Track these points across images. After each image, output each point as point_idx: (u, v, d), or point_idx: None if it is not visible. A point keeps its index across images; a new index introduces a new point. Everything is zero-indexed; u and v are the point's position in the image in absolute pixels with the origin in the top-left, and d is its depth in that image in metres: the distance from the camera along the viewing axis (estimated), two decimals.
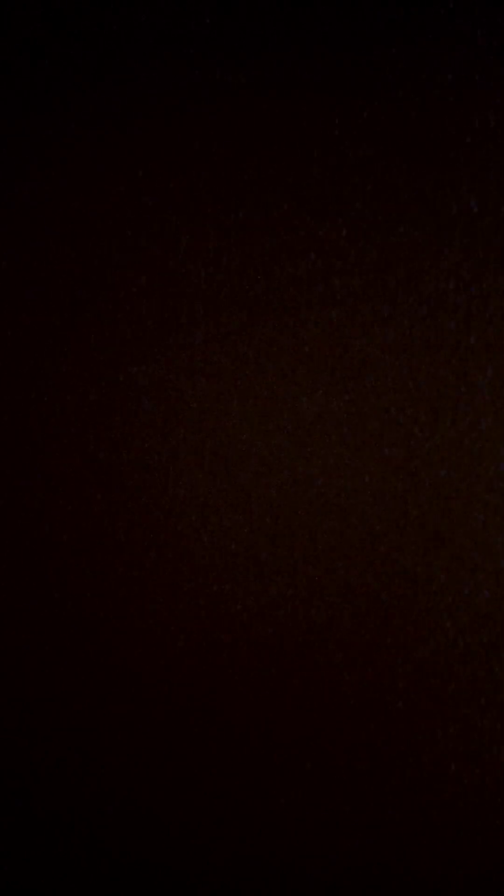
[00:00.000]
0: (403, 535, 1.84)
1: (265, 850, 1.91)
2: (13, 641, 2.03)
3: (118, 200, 1.99)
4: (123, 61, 1.97)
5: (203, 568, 1.93)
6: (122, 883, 1.99)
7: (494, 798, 1.80)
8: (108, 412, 1.98)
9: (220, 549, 1.92)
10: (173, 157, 1.95)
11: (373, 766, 1.85)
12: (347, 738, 1.87)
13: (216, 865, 1.94)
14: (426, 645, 1.83)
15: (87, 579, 1.99)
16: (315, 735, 1.88)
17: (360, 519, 1.86)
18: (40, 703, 2.03)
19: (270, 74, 1.88)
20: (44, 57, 2.01)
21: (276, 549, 1.90)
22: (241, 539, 1.91)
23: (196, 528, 1.94)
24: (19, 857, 2.03)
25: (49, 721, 2.02)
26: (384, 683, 1.85)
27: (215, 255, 1.93)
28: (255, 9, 1.88)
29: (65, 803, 2.02)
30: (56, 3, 2.00)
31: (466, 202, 1.79)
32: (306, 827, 1.89)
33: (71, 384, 2.00)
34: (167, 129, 1.95)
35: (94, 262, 2.00)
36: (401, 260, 1.83)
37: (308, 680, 1.88)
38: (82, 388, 1.99)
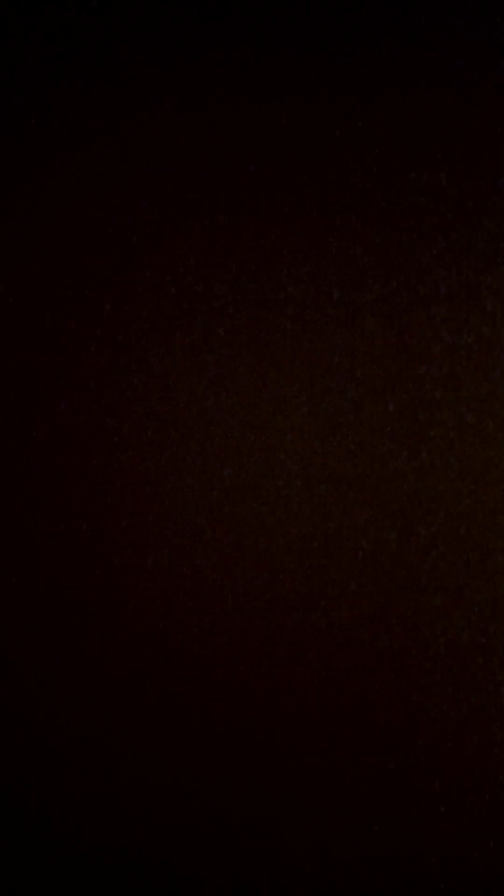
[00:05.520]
0: (403, 536, 1.84)
1: (265, 850, 1.91)
2: (12, 642, 2.03)
3: (117, 202, 1.98)
4: (120, 62, 1.97)
5: (203, 567, 1.93)
6: (122, 883, 1.99)
7: (494, 798, 1.80)
8: (105, 414, 1.98)
9: (220, 549, 1.92)
10: (173, 159, 1.95)
11: (373, 767, 1.85)
12: (347, 737, 1.87)
13: (216, 865, 1.94)
14: (426, 645, 1.83)
15: (83, 579, 1.99)
16: (315, 735, 1.88)
17: (360, 520, 1.86)
18: (39, 701, 2.02)
19: (269, 76, 1.88)
20: (40, 58, 2.01)
21: (278, 548, 1.89)
22: (242, 539, 1.91)
23: (194, 529, 1.93)
24: (18, 857, 2.03)
25: (47, 720, 2.02)
26: (384, 683, 1.85)
27: (214, 258, 1.92)
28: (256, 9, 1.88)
29: (63, 802, 2.01)
30: (55, 4, 1.99)
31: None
32: (306, 826, 1.89)
33: (68, 387, 2.00)
34: (165, 130, 1.95)
35: (92, 263, 1.99)
36: (399, 266, 1.83)
37: (307, 681, 1.88)
38: (79, 391, 1.99)
